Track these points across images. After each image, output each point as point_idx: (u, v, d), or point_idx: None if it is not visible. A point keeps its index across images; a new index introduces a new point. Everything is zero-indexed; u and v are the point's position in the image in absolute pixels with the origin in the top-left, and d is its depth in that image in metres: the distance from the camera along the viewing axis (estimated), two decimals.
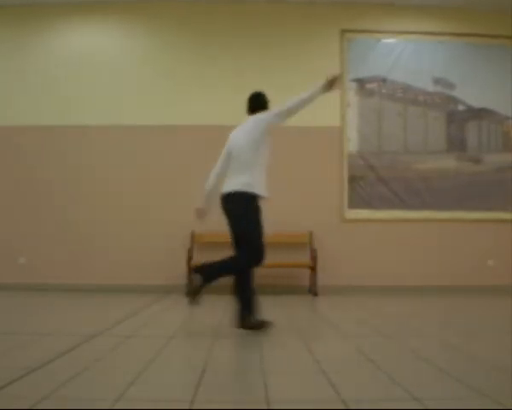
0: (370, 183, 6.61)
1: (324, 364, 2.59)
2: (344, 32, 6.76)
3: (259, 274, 6.42)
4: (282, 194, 6.07)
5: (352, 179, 6.58)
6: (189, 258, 6.12)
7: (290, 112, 3.50)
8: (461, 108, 6.83)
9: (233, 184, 3.51)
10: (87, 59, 6.66)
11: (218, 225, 6.52)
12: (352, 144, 6.66)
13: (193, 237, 6.38)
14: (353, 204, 6.60)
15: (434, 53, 6.81)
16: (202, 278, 3.42)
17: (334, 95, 6.58)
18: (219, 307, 4.93)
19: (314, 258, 6.18)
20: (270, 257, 6.31)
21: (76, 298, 5.65)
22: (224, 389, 2.18)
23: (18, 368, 2.39)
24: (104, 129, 6.57)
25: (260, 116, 3.57)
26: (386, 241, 6.54)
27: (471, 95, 6.81)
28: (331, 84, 3.50)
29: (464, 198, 6.67)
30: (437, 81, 6.81)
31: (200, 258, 6.29)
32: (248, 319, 3.49)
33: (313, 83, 3.52)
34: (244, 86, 6.93)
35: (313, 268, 6.16)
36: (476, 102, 6.81)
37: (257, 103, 3.72)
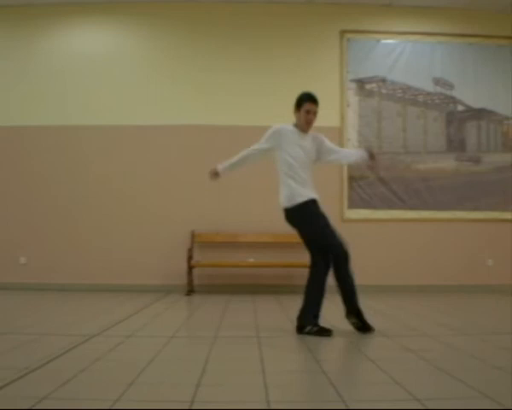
0: (370, 183, 6.61)
1: (324, 364, 2.59)
2: (344, 32, 6.75)
3: (260, 274, 6.47)
4: None
5: (352, 179, 6.58)
6: (189, 258, 6.12)
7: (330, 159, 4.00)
8: (460, 108, 6.83)
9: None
10: (88, 59, 6.65)
11: (218, 224, 6.60)
12: (352, 144, 6.65)
13: (193, 236, 6.37)
14: (353, 204, 6.60)
15: (434, 53, 6.80)
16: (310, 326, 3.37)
17: (334, 95, 6.64)
18: (219, 307, 4.93)
19: None
20: (271, 257, 6.37)
21: (76, 298, 5.64)
22: (224, 389, 2.18)
23: (18, 368, 2.39)
24: (104, 129, 6.55)
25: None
26: (386, 241, 6.54)
27: (470, 95, 6.80)
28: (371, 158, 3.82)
29: (464, 198, 6.67)
30: (436, 81, 6.81)
31: (201, 258, 6.32)
32: (309, 325, 3.39)
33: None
34: (242, 87, 7.03)
35: None
36: (475, 103, 6.81)
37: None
